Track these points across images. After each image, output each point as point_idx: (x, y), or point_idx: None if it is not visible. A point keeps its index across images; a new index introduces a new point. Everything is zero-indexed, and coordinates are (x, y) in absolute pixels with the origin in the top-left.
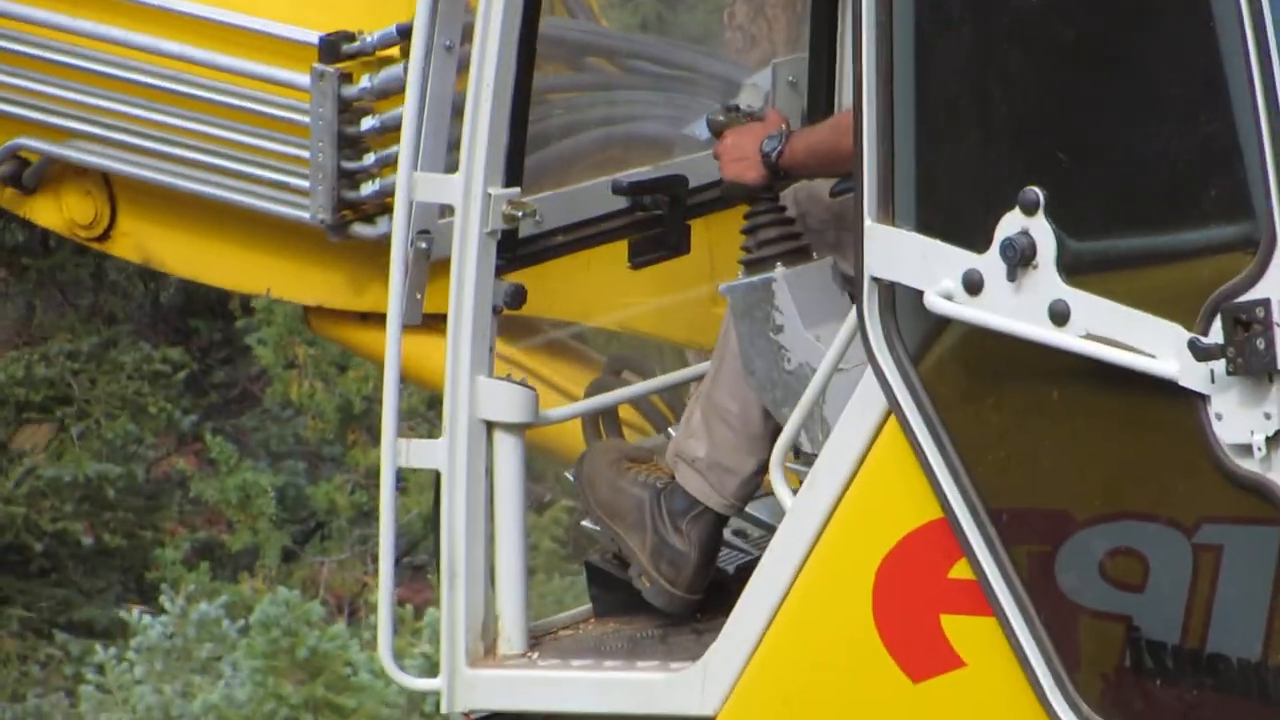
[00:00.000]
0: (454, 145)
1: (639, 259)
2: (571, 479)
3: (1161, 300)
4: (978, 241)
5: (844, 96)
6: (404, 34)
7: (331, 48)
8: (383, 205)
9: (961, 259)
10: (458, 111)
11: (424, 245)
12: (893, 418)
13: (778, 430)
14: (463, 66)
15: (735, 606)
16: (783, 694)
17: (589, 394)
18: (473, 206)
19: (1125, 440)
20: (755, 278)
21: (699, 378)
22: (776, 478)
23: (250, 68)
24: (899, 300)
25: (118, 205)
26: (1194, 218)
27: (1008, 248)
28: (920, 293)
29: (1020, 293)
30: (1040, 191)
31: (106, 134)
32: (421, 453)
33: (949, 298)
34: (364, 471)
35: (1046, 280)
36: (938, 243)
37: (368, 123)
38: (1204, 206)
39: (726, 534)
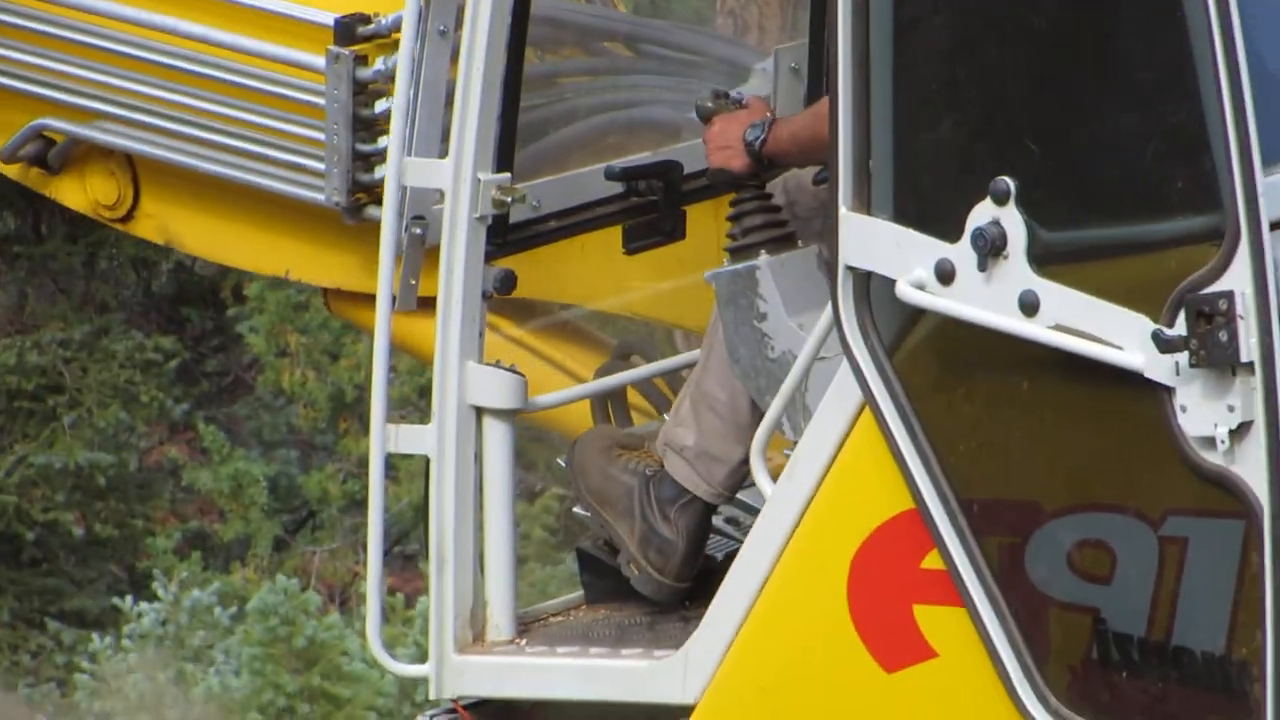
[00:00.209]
0: (448, 131)
1: (633, 244)
2: (564, 465)
3: (1130, 291)
4: (950, 231)
5: None
6: None
7: (346, 29)
8: None
9: (934, 248)
10: (452, 97)
11: (419, 231)
12: (868, 407)
13: None
14: (457, 51)
15: (716, 595)
16: (760, 683)
17: (597, 378)
18: (462, 191)
19: (1094, 432)
20: (739, 265)
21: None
22: (757, 466)
23: (267, 49)
24: (874, 289)
25: (141, 186)
26: (1161, 209)
27: (978, 237)
28: (894, 282)
29: (991, 283)
30: (1011, 181)
31: (129, 115)
32: (411, 438)
33: (921, 287)
34: (356, 460)
35: (1017, 270)
36: (911, 231)
37: (382, 105)
38: (1171, 198)
39: (719, 521)
